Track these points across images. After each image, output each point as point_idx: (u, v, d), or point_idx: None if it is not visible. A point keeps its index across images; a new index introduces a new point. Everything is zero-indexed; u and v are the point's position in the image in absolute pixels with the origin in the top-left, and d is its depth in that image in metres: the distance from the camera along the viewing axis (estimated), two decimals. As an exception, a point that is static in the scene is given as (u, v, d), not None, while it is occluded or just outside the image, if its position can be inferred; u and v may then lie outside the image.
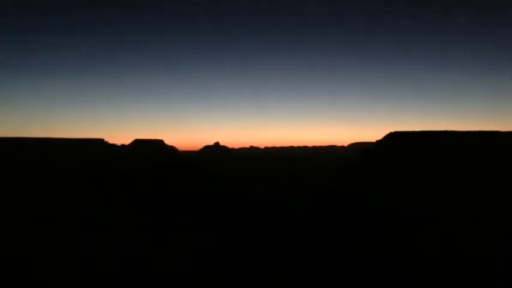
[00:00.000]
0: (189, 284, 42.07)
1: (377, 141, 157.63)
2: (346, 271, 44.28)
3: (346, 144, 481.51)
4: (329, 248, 53.28)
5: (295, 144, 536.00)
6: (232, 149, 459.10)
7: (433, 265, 44.55)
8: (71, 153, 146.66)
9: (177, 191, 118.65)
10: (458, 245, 49.24)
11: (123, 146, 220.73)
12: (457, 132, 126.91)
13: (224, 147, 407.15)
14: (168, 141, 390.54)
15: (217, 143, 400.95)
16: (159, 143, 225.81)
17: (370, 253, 49.80)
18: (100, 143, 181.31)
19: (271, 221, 74.82)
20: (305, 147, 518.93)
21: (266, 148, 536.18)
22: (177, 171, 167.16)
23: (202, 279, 42.88)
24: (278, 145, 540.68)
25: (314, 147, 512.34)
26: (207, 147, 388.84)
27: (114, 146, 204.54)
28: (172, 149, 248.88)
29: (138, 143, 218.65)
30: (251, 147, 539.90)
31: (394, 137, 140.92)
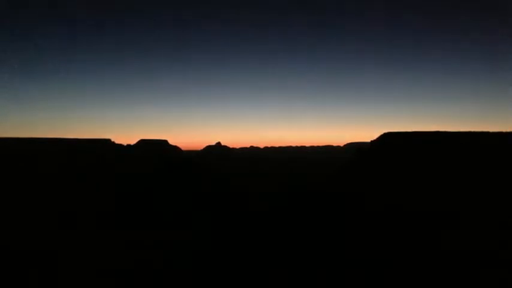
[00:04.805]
0: (189, 284, 40.49)
1: (371, 141, 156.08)
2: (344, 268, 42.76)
3: (342, 144, 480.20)
4: (326, 248, 51.74)
5: (294, 144, 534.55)
6: (233, 149, 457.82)
7: (431, 265, 42.89)
8: (79, 153, 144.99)
9: (178, 190, 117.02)
10: (457, 245, 47.58)
11: (129, 145, 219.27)
12: (450, 133, 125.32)
13: (225, 147, 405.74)
14: (172, 141, 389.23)
15: (218, 143, 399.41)
16: (163, 143, 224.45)
17: (365, 254, 48.24)
18: (107, 143, 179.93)
19: (270, 219, 73.24)
20: (303, 147, 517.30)
21: (266, 148, 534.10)
22: (180, 170, 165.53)
23: (204, 280, 41.30)
24: (277, 145, 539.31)
25: (312, 147, 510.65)
26: (209, 147, 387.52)
27: (120, 146, 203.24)
28: (175, 149, 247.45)
29: (143, 143, 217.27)
30: (251, 147, 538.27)
31: (387, 138, 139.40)
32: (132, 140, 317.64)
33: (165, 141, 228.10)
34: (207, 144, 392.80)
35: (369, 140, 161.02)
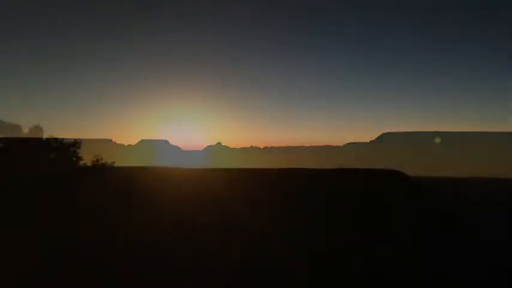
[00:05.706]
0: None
1: (371, 141, 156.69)
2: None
3: (341, 144, 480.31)
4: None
5: (293, 144, 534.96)
6: (234, 149, 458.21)
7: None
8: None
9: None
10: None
11: (130, 145, 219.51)
12: (447, 133, 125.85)
13: (225, 147, 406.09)
14: (173, 141, 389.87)
15: (218, 143, 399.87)
16: (164, 143, 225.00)
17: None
18: (108, 143, 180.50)
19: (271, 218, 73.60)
20: (302, 147, 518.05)
21: (266, 148, 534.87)
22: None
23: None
24: (277, 145, 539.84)
25: (311, 147, 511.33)
26: (210, 147, 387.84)
27: (121, 146, 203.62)
28: (176, 149, 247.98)
29: (144, 143, 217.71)
30: (251, 147, 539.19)
31: (386, 137, 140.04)
32: (133, 140, 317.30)
33: (167, 142, 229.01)
34: (208, 144, 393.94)
35: (368, 140, 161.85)
